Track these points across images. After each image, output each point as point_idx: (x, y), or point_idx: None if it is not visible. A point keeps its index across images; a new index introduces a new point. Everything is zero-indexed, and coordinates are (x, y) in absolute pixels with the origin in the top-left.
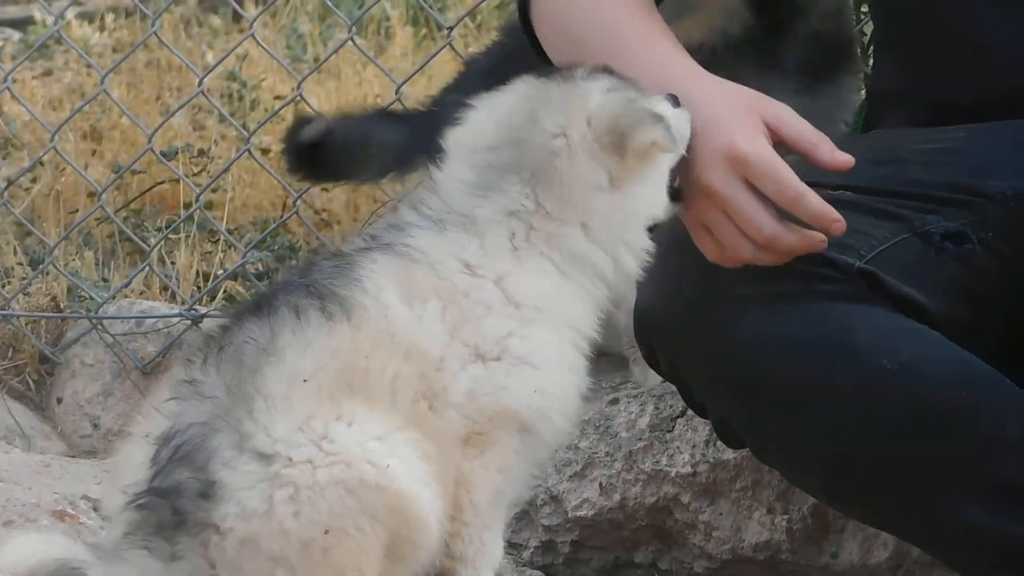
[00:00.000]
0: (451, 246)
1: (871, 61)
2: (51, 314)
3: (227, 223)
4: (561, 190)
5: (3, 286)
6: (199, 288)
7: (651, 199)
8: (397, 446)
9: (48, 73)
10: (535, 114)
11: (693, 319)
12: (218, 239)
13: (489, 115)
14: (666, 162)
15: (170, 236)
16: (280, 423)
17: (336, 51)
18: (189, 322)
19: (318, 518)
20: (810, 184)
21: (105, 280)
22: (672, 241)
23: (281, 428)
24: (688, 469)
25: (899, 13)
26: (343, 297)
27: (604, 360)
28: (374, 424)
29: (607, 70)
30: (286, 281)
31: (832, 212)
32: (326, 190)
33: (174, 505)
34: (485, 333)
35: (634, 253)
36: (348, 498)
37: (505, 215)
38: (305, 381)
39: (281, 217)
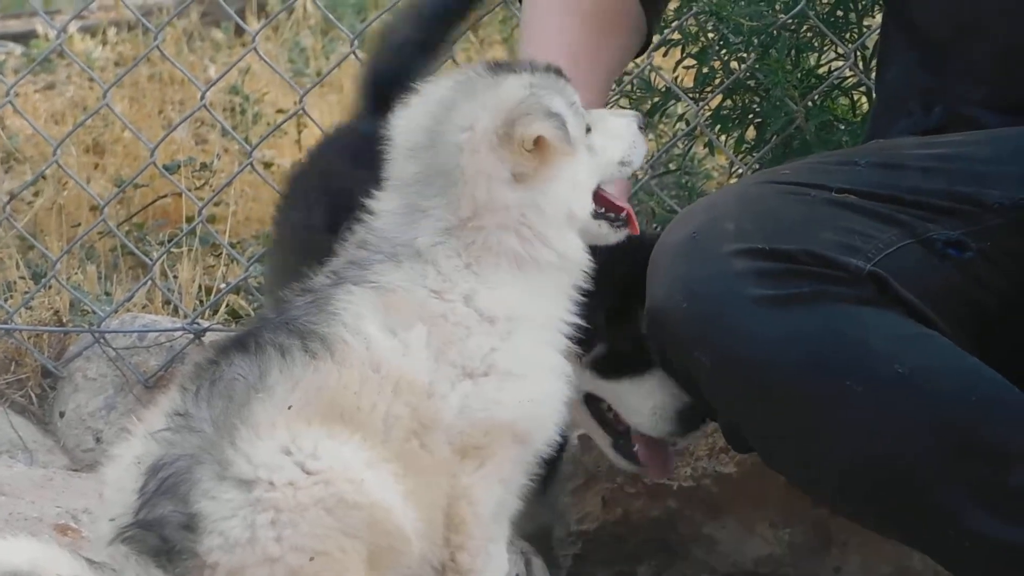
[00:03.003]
0: (411, 276)
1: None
2: (53, 328)
3: (229, 237)
4: (468, 190)
5: (6, 300)
6: (201, 302)
7: (566, 197)
8: (376, 467)
9: (50, 87)
10: (454, 105)
11: (704, 320)
12: (220, 253)
13: (418, 109)
14: (574, 164)
15: (172, 250)
16: (263, 449)
17: (338, 65)
18: (192, 336)
19: (300, 541)
20: (813, 186)
21: (107, 294)
22: (683, 239)
23: (263, 453)
24: (691, 483)
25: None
26: (323, 334)
27: None
28: (363, 452)
29: (551, 69)
30: (265, 319)
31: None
32: None
33: (161, 535)
34: (470, 352)
35: (570, 245)
36: (327, 518)
37: (442, 235)
38: (290, 408)
39: None
